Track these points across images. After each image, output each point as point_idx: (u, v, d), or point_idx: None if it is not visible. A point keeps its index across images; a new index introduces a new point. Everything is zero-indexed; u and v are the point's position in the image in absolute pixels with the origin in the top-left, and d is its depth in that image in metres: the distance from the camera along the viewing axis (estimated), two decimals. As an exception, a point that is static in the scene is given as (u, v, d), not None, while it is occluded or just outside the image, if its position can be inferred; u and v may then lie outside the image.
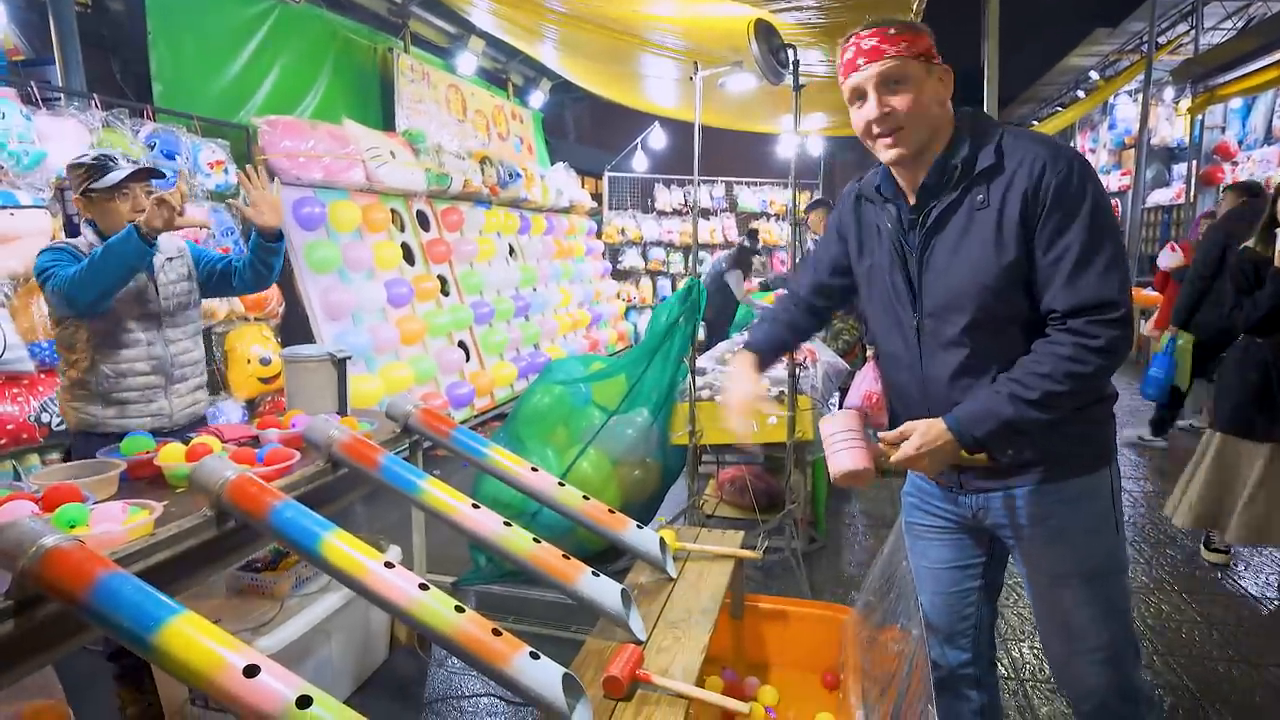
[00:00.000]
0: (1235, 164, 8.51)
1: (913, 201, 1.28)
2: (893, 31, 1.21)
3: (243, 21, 4.44)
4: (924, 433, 1.24)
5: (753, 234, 7.80)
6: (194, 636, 0.95)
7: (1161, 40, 8.36)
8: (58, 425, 2.86)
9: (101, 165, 1.98)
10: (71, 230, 3.04)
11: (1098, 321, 1.14)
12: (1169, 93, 9.34)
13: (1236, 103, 8.14)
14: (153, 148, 3.40)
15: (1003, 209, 1.19)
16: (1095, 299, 1.14)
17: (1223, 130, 8.70)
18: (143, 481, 1.70)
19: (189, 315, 2.21)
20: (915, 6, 3.70)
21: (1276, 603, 2.82)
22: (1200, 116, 8.00)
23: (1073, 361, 1.14)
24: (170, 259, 2.16)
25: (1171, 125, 9.73)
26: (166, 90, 3.90)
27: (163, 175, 2.11)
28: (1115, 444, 1.34)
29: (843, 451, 1.30)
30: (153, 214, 1.84)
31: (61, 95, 3.36)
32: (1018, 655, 2.44)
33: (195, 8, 4.11)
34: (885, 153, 1.25)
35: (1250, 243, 2.72)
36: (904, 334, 1.35)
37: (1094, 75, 10.35)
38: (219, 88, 4.27)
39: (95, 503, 1.43)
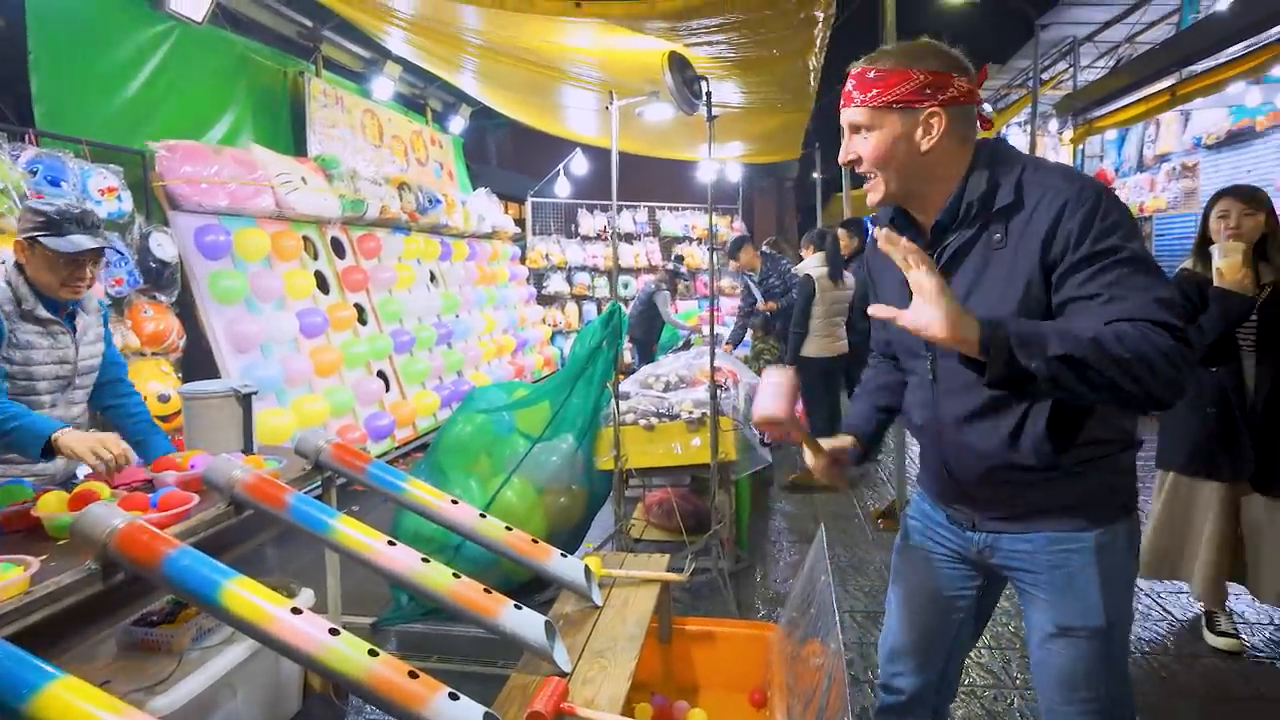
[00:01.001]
0: (1113, 189, 9.26)
1: (928, 239, 1.22)
2: (872, 74, 1.16)
3: (138, 43, 4.22)
4: (952, 320, 1.00)
5: (678, 259, 7.94)
6: (73, 703, 0.88)
7: (1045, 76, 9.06)
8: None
9: (60, 222, 1.85)
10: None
11: (1160, 327, 0.99)
12: (1054, 124, 10.11)
13: (1112, 134, 8.90)
14: (35, 173, 3.17)
15: (1021, 249, 1.11)
16: (1146, 315, 1.00)
17: (1101, 159, 9.48)
18: (17, 535, 1.56)
19: (93, 377, 2.11)
20: (817, 44, 3.89)
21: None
22: (1082, 146, 8.68)
23: (1144, 341, 0.98)
24: (90, 320, 2.05)
25: (1057, 154, 10.52)
26: (51, 113, 3.66)
27: (119, 251, 2.02)
28: (1137, 494, 1.27)
29: (767, 398, 1.33)
30: (92, 459, 1.70)
31: (-71, 117, 3.11)
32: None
33: (83, 27, 3.89)
34: (868, 196, 1.24)
35: (1188, 264, 2.47)
36: (921, 378, 1.31)
37: (987, 107, 11.07)
38: (112, 111, 4.03)
39: (-39, 561, 1.31)
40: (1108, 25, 8.06)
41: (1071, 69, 8.49)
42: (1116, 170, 9.35)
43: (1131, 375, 0.98)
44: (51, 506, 1.54)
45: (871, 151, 1.18)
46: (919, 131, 1.15)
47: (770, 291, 5.22)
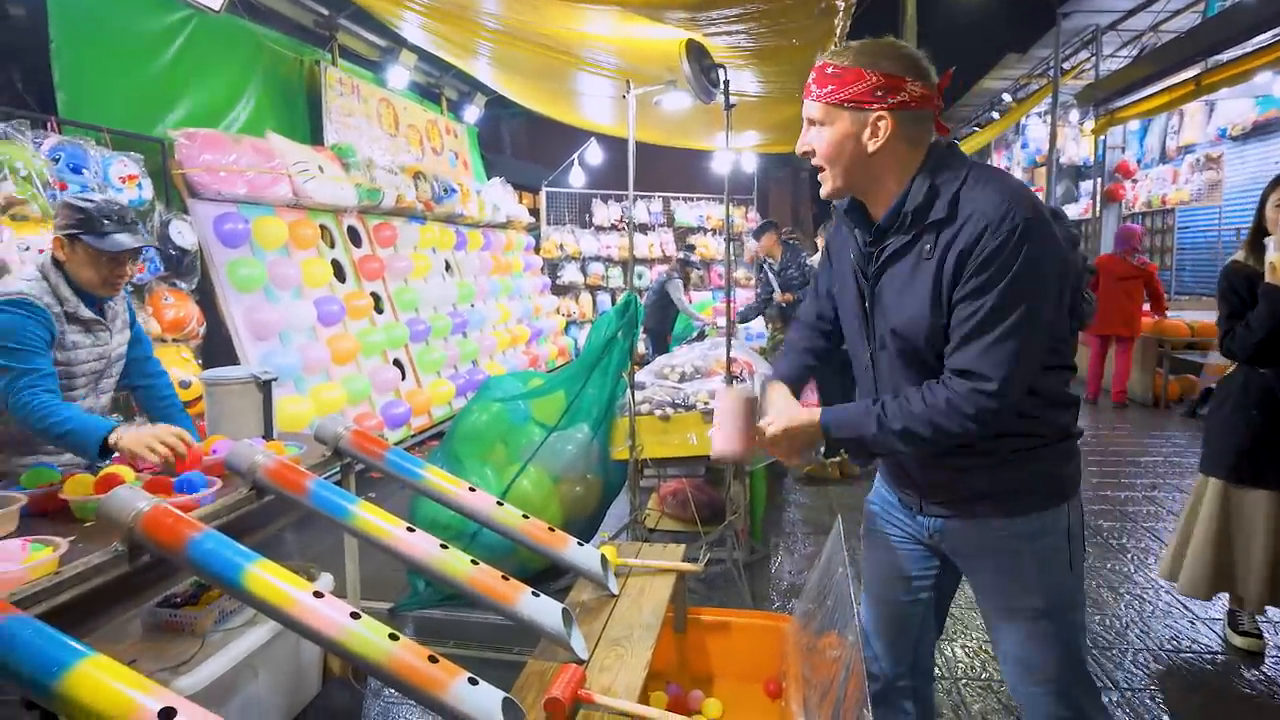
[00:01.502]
0: (1135, 181, 9.14)
1: (870, 237, 1.28)
2: (830, 70, 1.19)
3: (158, 31, 4.25)
4: (796, 417, 1.32)
5: (690, 248, 7.91)
6: (102, 680, 0.89)
7: (1066, 66, 8.91)
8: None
9: (102, 220, 1.84)
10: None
11: (975, 391, 1.14)
12: (1074, 115, 9.97)
13: (1134, 124, 8.75)
14: (57, 161, 3.21)
15: (943, 264, 1.16)
16: (972, 367, 1.14)
17: (1123, 150, 9.34)
18: (46, 517, 1.59)
19: (121, 364, 2.12)
20: (837, 33, 3.84)
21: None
22: (1103, 137, 8.55)
23: (942, 415, 1.16)
24: (117, 310, 2.05)
25: (1078, 145, 10.38)
26: (73, 101, 3.70)
27: (159, 248, 2.04)
28: (1078, 480, 1.32)
29: (718, 433, 1.42)
30: (153, 456, 1.71)
31: (-46, 105, 3.15)
32: (950, 654, 2.52)
33: (103, 16, 3.92)
34: (821, 188, 1.29)
35: (1240, 256, 2.32)
36: (861, 361, 1.38)
37: (1006, 98, 10.95)
38: (132, 99, 4.07)
39: (-9, 541, 1.33)
40: (1131, 13, 7.91)
41: (1094, 58, 8.35)
42: (1138, 161, 9.20)
43: (932, 440, 1.19)
44: (79, 489, 1.56)
45: (823, 147, 1.22)
46: (866, 132, 1.18)
47: (789, 283, 5.21)
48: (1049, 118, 8.16)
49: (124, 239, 1.87)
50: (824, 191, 1.28)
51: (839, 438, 1.27)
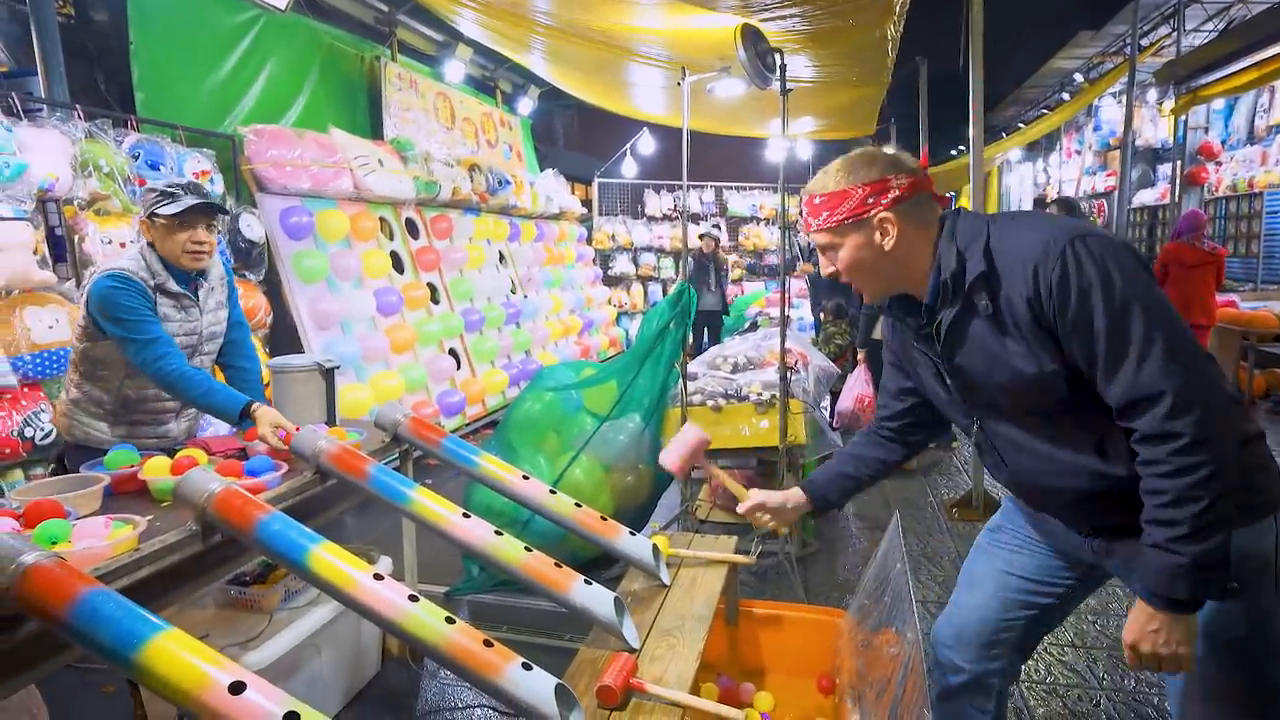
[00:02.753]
0: (1219, 164, 8.62)
1: (924, 319, 1.26)
2: (818, 200, 1.24)
3: (227, 30, 4.42)
4: (1146, 629, 1.10)
5: (705, 235, 7.65)
6: (177, 653, 0.93)
7: (1144, 43, 8.44)
8: (41, 440, 2.82)
9: (171, 193, 1.98)
10: (55, 243, 3.01)
11: (1162, 417, 1.02)
12: (1152, 94, 9.44)
13: (1219, 104, 8.24)
14: (137, 158, 3.37)
15: (1015, 315, 1.12)
16: (1139, 394, 1.04)
17: (1206, 131, 8.80)
18: (127, 496, 1.67)
19: (217, 342, 2.22)
20: (897, 11, 3.72)
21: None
22: (1184, 118, 8.08)
23: (1183, 474, 1.02)
24: (213, 288, 2.16)
25: (1155, 127, 9.83)
26: (149, 100, 3.87)
27: (225, 212, 2.19)
28: (1276, 490, 1.17)
29: (667, 451, 1.74)
30: (271, 437, 1.88)
31: (44, 107, 3.33)
32: (1013, 656, 2.44)
33: (178, 17, 4.09)
34: (864, 296, 1.34)
35: None
36: (973, 436, 1.32)
37: (1078, 78, 10.46)
38: (203, 97, 4.24)
39: (78, 518, 1.41)
40: (1218, -16, 7.43)
41: (1175, 33, 7.88)
42: (1223, 143, 8.67)
43: (1215, 498, 1.01)
44: (156, 471, 1.64)
45: (844, 264, 1.26)
46: (877, 236, 1.22)
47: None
48: (1124, 98, 7.74)
49: (191, 199, 1.99)
50: (865, 300, 1.34)
51: (1181, 596, 1.06)
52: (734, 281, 9.56)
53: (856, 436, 1.60)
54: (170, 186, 1.99)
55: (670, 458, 1.73)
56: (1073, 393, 1.12)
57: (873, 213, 1.20)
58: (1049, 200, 6.34)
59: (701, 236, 7.46)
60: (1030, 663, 2.39)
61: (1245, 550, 1.11)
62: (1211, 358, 1.11)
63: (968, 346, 1.20)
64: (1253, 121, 8.20)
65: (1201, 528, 1.02)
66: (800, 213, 1.33)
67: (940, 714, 1.48)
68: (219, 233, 2.15)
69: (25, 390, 2.86)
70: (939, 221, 1.23)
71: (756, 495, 1.60)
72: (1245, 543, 1.11)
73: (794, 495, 1.58)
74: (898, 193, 1.20)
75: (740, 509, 1.63)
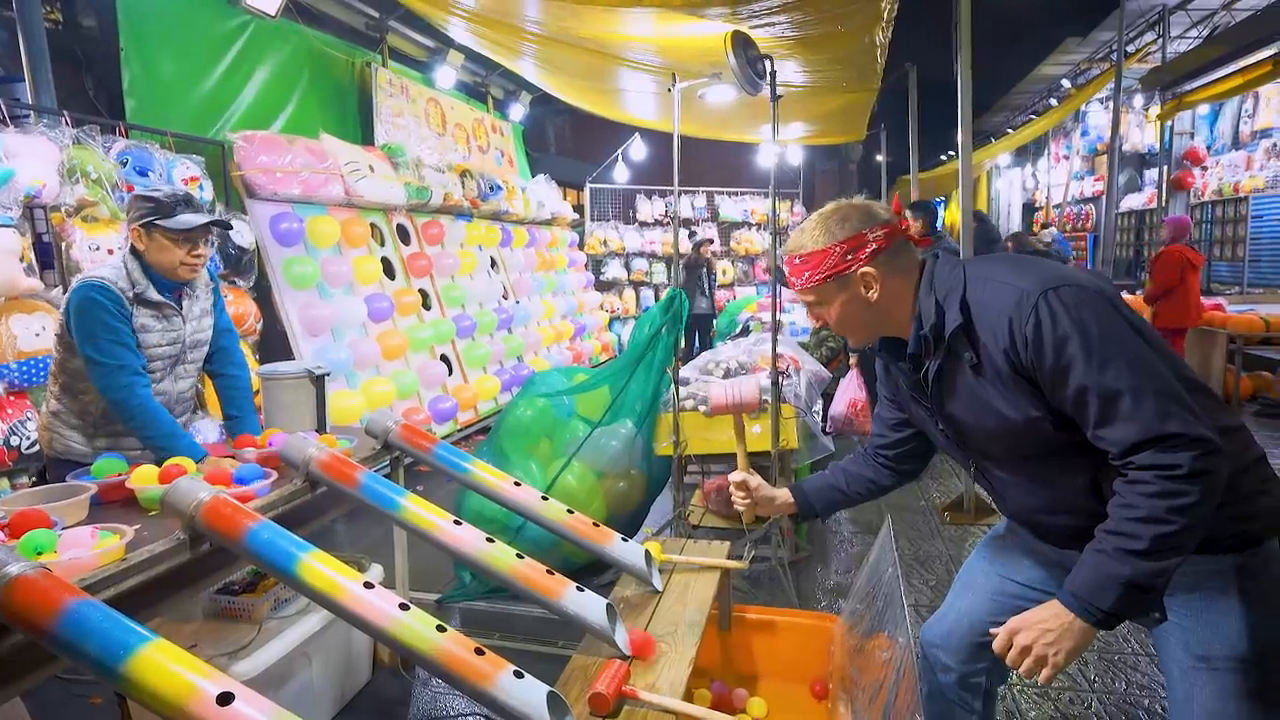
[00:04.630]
0: (1205, 169, 8.71)
1: (910, 367, 1.29)
2: (798, 260, 1.27)
3: (217, 37, 4.41)
4: (1041, 623, 1.10)
5: (694, 236, 7.76)
6: (165, 664, 0.92)
7: (1130, 49, 8.53)
8: (26, 448, 2.79)
9: (172, 204, 1.94)
10: (41, 250, 2.99)
11: (1164, 450, 1.02)
12: (1139, 100, 9.54)
13: (1204, 109, 8.33)
14: (125, 164, 3.35)
15: (995, 365, 1.14)
16: (1140, 437, 1.03)
17: (1191, 136, 8.90)
18: (115, 505, 1.66)
19: (202, 350, 2.20)
20: (886, 17, 3.75)
21: None
22: (1170, 123, 8.17)
23: (1167, 497, 1.01)
24: (197, 295, 2.13)
25: (1142, 132, 9.94)
26: (140, 106, 3.86)
27: (229, 226, 2.13)
28: None
29: (730, 388, 1.70)
30: None
31: (31, 113, 3.31)
32: (1005, 659, 2.45)
33: (169, 24, 4.07)
34: (850, 342, 1.38)
35: None
36: (963, 463, 1.36)
37: (1066, 84, 10.56)
38: (194, 103, 4.23)
39: (64, 528, 1.40)
40: (1202, -8, 7.52)
41: (1160, 40, 7.97)
42: (1209, 148, 8.76)
43: (1186, 526, 1.01)
44: (144, 479, 1.63)
45: (833, 320, 1.30)
46: (861, 289, 1.25)
47: None
48: (1111, 104, 7.82)
49: (193, 218, 1.96)
50: (853, 344, 1.40)
51: (1105, 608, 1.06)
52: (724, 286, 9.60)
53: (853, 454, 1.60)
54: (168, 197, 1.95)
55: (719, 396, 1.71)
56: (1060, 436, 1.13)
57: (853, 268, 1.23)
58: (1007, 238, 6.63)
59: (699, 245, 7.48)
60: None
61: (1258, 566, 1.12)
62: (1199, 385, 1.13)
63: (956, 395, 1.22)
64: (1237, 127, 8.30)
65: (1158, 549, 1.02)
66: (783, 272, 1.36)
67: (930, 713, 1.49)
68: (212, 243, 2.13)
69: (11, 399, 2.83)
70: (919, 266, 1.26)
71: (754, 478, 1.61)
72: (1258, 560, 1.12)
73: (783, 495, 1.61)
74: (875, 245, 1.22)
75: (732, 476, 1.63)
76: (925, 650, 1.50)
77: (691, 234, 8.01)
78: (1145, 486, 1.03)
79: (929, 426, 1.36)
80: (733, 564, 1.79)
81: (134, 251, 1.98)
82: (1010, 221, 15.22)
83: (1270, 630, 1.12)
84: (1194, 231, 9.26)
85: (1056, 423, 1.13)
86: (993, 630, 1.18)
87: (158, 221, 1.93)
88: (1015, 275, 1.14)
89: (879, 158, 10.15)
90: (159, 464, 1.72)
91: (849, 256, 1.23)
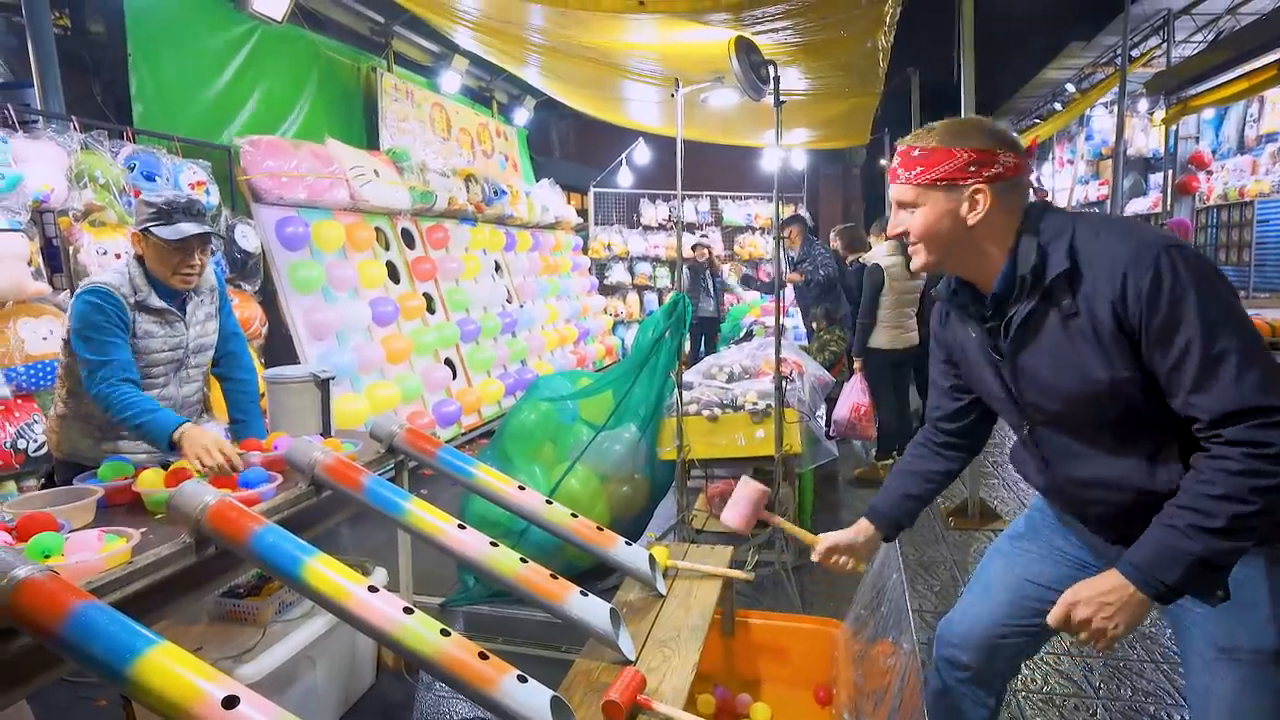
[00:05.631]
0: (1210, 173, 8.68)
1: (990, 310, 1.23)
2: (916, 153, 1.19)
3: (224, 42, 4.43)
4: (1100, 595, 1.09)
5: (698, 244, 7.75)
6: (170, 667, 0.93)
7: (1135, 53, 8.52)
8: (34, 451, 2.81)
9: (170, 212, 1.94)
10: (50, 254, 3.01)
11: (1260, 426, 1.00)
12: (1143, 104, 9.53)
13: (1209, 113, 8.31)
14: (132, 169, 3.37)
15: (1095, 317, 1.09)
16: (1239, 406, 1.01)
17: (1196, 140, 8.87)
18: (121, 508, 1.67)
19: (207, 355, 2.20)
20: (887, 21, 3.76)
21: None
22: (1174, 127, 8.14)
23: (1250, 476, 1.00)
24: (202, 300, 2.13)
25: (1147, 136, 9.91)
26: (148, 111, 3.88)
27: (221, 237, 2.13)
28: None
29: (730, 511, 1.70)
30: (205, 457, 1.76)
31: (40, 118, 3.33)
32: (1010, 665, 2.44)
33: (176, 29, 4.10)
34: (912, 261, 1.27)
35: None
36: (1020, 437, 1.30)
37: (1070, 88, 10.53)
38: (201, 108, 4.25)
39: (71, 531, 1.40)
40: (1207, -4, 7.51)
41: (1165, 44, 7.96)
42: (1214, 152, 8.74)
43: (1262, 509, 1.00)
44: (150, 483, 1.63)
45: (919, 227, 1.20)
46: (964, 207, 1.17)
47: (797, 266, 5.43)
48: (1115, 108, 7.81)
49: (188, 226, 1.95)
50: (915, 265, 1.26)
51: (1169, 582, 1.05)
52: (728, 290, 9.60)
53: (909, 452, 1.52)
54: (167, 204, 1.95)
55: (734, 516, 1.69)
56: (1141, 402, 1.10)
57: (969, 182, 1.15)
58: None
59: (694, 247, 7.48)
60: (1027, 672, 2.39)
61: (1272, 558, 1.12)
62: None
63: (1037, 345, 1.16)
64: (1243, 131, 8.27)
65: (1233, 529, 1.01)
66: (890, 161, 1.28)
67: (938, 710, 1.48)
68: (212, 252, 2.13)
69: (19, 402, 2.85)
70: (1024, 211, 1.19)
71: (827, 539, 1.52)
72: (1272, 554, 1.12)
73: (863, 529, 1.51)
74: (1001, 169, 1.15)
75: (814, 557, 1.54)
76: (941, 650, 1.49)
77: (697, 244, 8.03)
78: (1230, 463, 1.01)
79: (989, 382, 1.28)
80: (737, 574, 1.79)
81: (138, 257, 2.00)
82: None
83: None
84: (1199, 236, 9.25)
85: (1143, 386, 1.09)
86: (1052, 618, 1.15)
87: (152, 228, 1.93)
88: (1131, 231, 1.10)
89: (883, 162, 10.16)
90: (163, 465, 1.72)
91: (971, 168, 1.15)
